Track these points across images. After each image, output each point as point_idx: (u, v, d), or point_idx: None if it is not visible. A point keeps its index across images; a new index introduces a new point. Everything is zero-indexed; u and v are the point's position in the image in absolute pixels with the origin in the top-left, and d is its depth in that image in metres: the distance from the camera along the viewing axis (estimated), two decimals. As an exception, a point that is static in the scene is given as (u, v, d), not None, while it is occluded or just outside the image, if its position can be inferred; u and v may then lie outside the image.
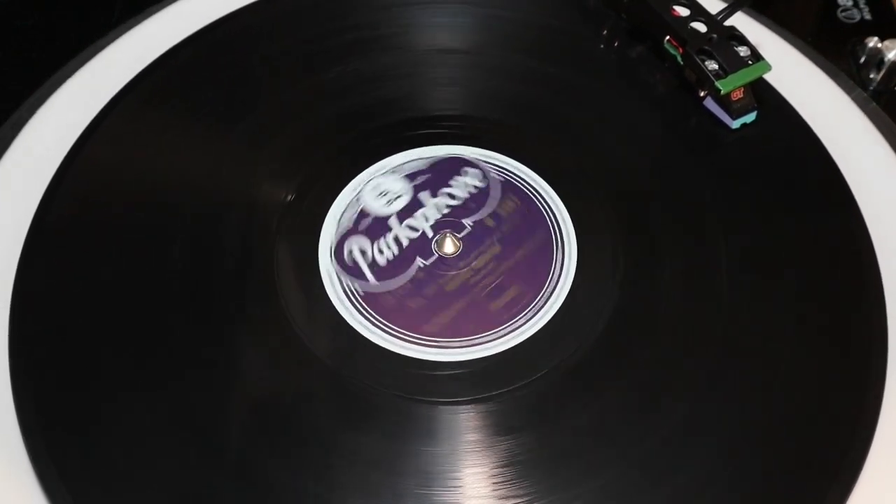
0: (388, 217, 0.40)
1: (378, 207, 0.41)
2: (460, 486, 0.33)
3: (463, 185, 0.41)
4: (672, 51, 0.44)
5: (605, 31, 0.47)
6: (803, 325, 0.37)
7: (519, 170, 0.42)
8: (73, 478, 0.32)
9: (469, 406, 0.35)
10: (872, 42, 0.49)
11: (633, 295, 0.38)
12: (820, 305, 0.37)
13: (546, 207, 0.41)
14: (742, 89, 0.42)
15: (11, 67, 0.49)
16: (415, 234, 0.40)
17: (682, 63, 0.43)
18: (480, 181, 0.41)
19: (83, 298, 0.37)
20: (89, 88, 0.45)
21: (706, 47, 0.42)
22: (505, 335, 0.37)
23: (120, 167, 0.41)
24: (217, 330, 0.36)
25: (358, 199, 0.41)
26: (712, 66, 0.42)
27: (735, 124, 0.42)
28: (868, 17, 0.52)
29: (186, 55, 0.46)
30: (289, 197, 0.41)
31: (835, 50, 0.50)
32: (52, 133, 0.43)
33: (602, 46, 0.47)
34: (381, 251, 0.39)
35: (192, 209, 0.40)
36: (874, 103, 0.46)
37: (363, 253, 0.39)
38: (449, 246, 0.39)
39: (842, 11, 0.52)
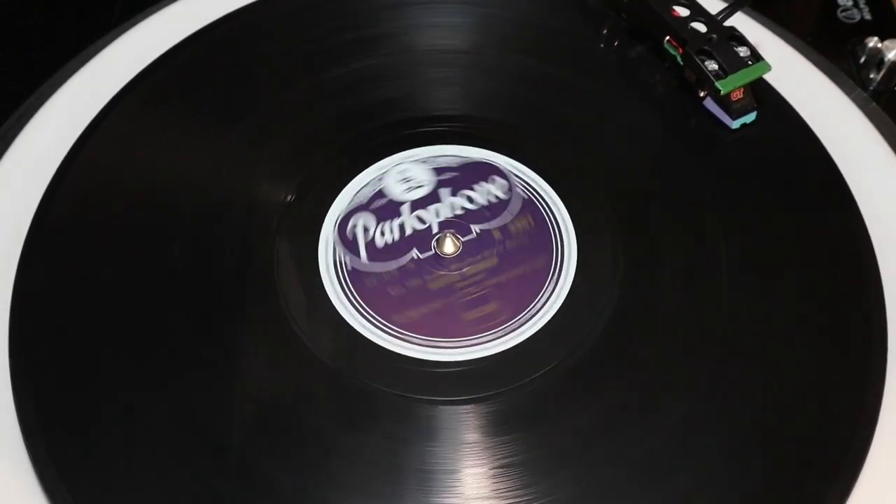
0: (403, 203, 0.41)
1: (397, 192, 0.41)
2: (460, 486, 0.33)
3: (485, 193, 0.41)
4: (672, 51, 0.44)
5: (605, 31, 0.47)
6: (803, 325, 0.37)
7: (542, 189, 0.41)
8: (73, 478, 0.32)
9: (469, 406, 0.35)
10: (872, 42, 0.49)
11: (633, 295, 0.38)
12: (820, 305, 0.37)
13: (547, 210, 0.40)
14: (742, 89, 0.42)
15: (11, 67, 0.49)
16: (420, 226, 0.40)
17: (681, 63, 0.43)
18: (504, 193, 0.41)
19: (83, 298, 0.37)
20: (89, 88, 0.45)
21: (706, 47, 0.42)
22: (505, 335, 0.37)
23: (120, 167, 0.41)
24: (217, 330, 0.36)
25: (381, 179, 0.41)
26: (712, 66, 0.42)
27: (735, 124, 0.42)
28: (868, 17, 0.52)
29: (186, 55, 0.46)
30: (289, 197, 0.41)
31: (835, 50, 0.50)
32: (52, 133, 0.43)
33: (602, 46, 0.47)
34: (382, 233, 0.40)
35: (192, 209, 0.40)
36: (874, 103, 0.46)
37: (366, 231, 0.39)
38: (448, 246, 0.39)
39: (842, 11, 0.52)
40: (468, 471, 0.33)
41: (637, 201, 0.41)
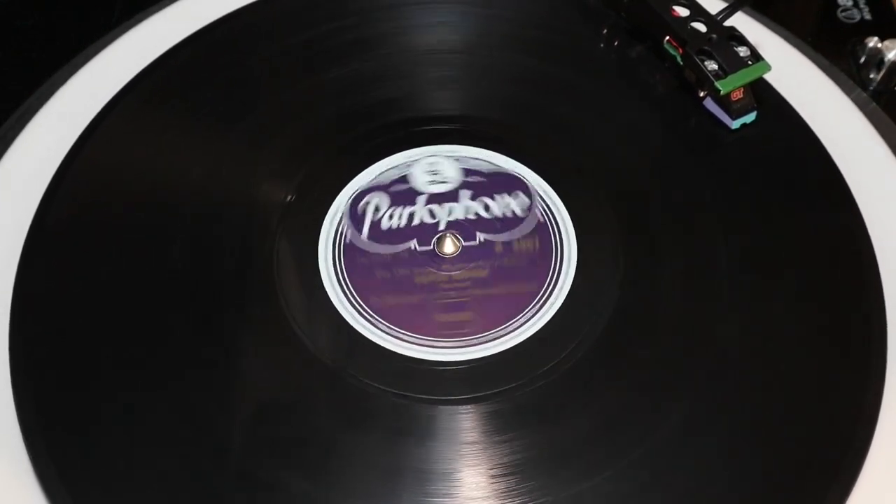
0: (421, 194, 0.41)
1: (420, 182, 0.41)
2: (460, 486, 0.33)
3: (503, 205, 0.41)
4: (672, 51, 0.44)
5: (605, 31, 0.47)
6: (803, 324, 0.37)
7: (543, 189, 0.41)
8: (73, 478, 0.32)
9: (469, 406, 0.35)
10: (872, 42, 0.49)
11: (633, 295, 0.38)
12: (820, 305, 0.37)
13: (547, 212, 0.40)
14: (742, 89, 0.42)
15: (11, 67, 0.49)
16: (429, 220, 0.40)
17: (681, 63, 0.43)
18: (521, 211, 0.40)
19: (83, 299, 0.37)
20: (89, 88, 0.45)
21: (706, 47, 0.42)
22: (505, 335, 0.37)
23: (120, 167, 0.41)
24: (217, 330, 0.36)
25: (409, 165, 0.41)
26: (712, 66, 0.42)
27: (735, 124, 0.42)
28: (868, 17, 0.52)
29: (186, 55, 0.46)
30: (289, 197, 0.41)
31: (835, 50, 0.50)
32: (52, 133, 0.43)
33: (602, 46, 0.47)
34: (391, 217, 0.40)
35: (192, 209, 0.40)
36: (874, 103, 0.46)
37: (376, 210, 0.40)
38: (448, 246, 0.39)
39: (842, 11, 0.52)
40: (468, 471, 0.33)
41: (637, 201, 0.41)
